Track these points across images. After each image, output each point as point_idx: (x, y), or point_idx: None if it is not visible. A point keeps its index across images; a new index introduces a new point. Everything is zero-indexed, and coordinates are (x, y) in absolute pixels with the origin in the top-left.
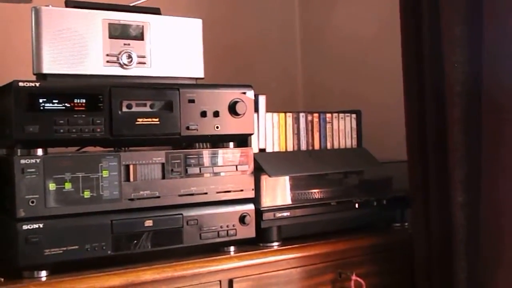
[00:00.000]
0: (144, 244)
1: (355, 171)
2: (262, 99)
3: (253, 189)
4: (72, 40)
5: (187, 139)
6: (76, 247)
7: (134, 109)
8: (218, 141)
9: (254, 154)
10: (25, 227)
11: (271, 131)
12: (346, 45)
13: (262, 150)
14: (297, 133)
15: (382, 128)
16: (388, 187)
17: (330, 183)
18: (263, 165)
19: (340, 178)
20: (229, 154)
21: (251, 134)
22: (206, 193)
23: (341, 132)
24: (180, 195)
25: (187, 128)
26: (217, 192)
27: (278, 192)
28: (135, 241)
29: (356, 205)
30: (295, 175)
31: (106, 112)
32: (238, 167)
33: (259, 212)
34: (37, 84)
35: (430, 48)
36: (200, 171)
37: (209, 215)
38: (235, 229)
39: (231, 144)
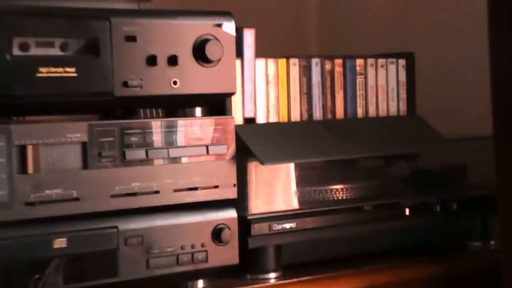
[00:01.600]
0: (52, 280)
1: (405, 155)
2: (249, 36)
3: (235, 185)
4: None
5: (124, 103)
6: None
7: (34, 51)
8: (176, 105)
9: (237, 127)
10: None
11: (265, 89)
12: None
13: (250, 121)
14: (307, 93)
15: (445, 84)
16: (460, 182)
17: (363, 174)
18: (251, 145)
19: (380, 166)
20: (195, 128)
21: (231, 95)
22: (157, 192)
23: (381, 89)
24: (113, 196)
25: (125, 84)
26: (176, 191)
27: (277, 189)
28: (37, 276)
29: (407, 211)
30: (304, 162)
31: None
32: (211, 148)
33: (245, 223)
34: None
35: None
36: (147, 156)
37: (162, 229)
38: (206, 251)
39: (199, 110)
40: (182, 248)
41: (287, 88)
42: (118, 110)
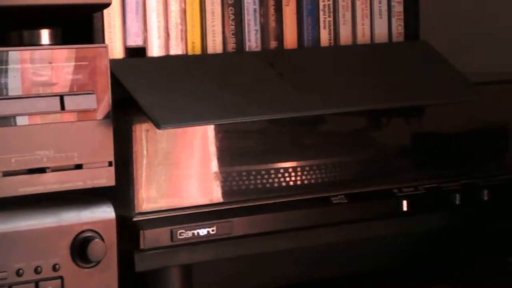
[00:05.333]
0: None
1: (404, 111)
2: None
3: (111, 164)
4: None
5: None
6: None
7: None
8: (5, 24)
9: (114, 63)
10: None
11: None
12: None
13: (138, 53)
14: (234, 4)
15: None
16: (500, 154)
17: (330, 144)
18: (140, 95)
19: (360, 129)
20: (40, 65)
21: (103, 7)
22: None
23: None
24: None
25: None
26: (6, 175)
27: (185, 171)
28: None
29: (404, 204)
30: (230, 124)
31: None
32: (68, 100)
33: (130, 228)
34: None
35: None
36: None
37: None
38: (60, 277)
39: (46, 34)
40: (18, 273)
41: None
42: None
